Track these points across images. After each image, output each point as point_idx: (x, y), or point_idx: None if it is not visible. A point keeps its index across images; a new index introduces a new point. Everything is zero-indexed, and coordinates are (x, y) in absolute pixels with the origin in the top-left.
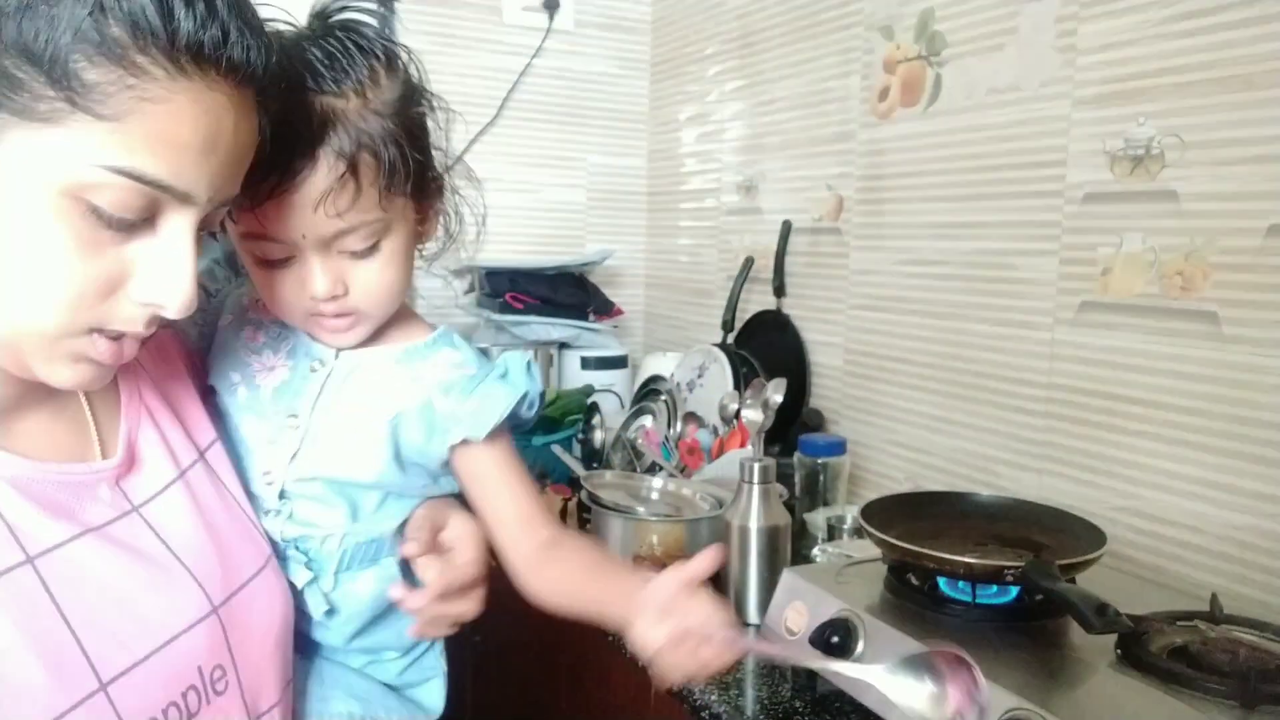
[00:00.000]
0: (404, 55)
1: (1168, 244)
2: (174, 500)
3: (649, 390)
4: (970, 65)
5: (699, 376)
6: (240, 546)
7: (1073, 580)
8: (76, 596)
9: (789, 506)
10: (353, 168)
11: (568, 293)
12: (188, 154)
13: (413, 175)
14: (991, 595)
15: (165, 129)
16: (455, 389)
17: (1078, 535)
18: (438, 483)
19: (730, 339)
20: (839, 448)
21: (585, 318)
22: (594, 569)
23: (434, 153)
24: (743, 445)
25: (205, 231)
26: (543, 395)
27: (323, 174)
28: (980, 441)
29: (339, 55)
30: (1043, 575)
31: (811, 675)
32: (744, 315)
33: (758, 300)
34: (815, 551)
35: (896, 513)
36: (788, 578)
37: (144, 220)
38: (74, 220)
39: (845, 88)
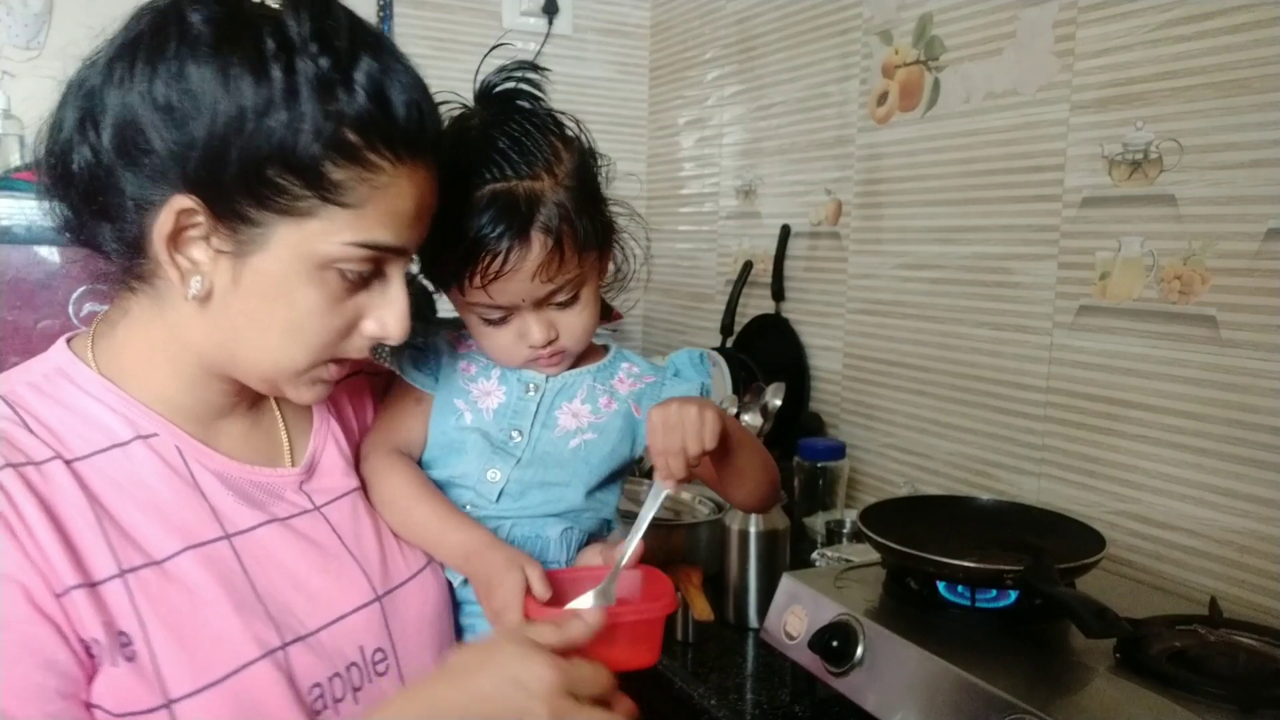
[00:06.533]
0: (571, 124)
1: (1166, 248)
2: (349, 506)
3: None
4: (968, 70)
5: None
6: (400, 550)
7: (1072, 584)
8: (261, 571)
9: (788, 511)
10: (558, 241)
11: None
12: (406, 221)
13: (599, 231)
14: (990, 599)
15: (392, 207)
16: (644, 398)
17: (1077, 539)
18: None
19: (729, 343)
20: (838, 452)
21: None
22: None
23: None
24: None
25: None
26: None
27: (536, 251)
28: (979, 445)
29: (523, 139)
30: (1042, 579)
31: (811, 680)
32: (743, 319)
33: (756, 304)
34: (814, 555)
35: (895, 517)
36: (787, 582)
37: (373, 274)
38: (325, 284)
39: (844, 92)
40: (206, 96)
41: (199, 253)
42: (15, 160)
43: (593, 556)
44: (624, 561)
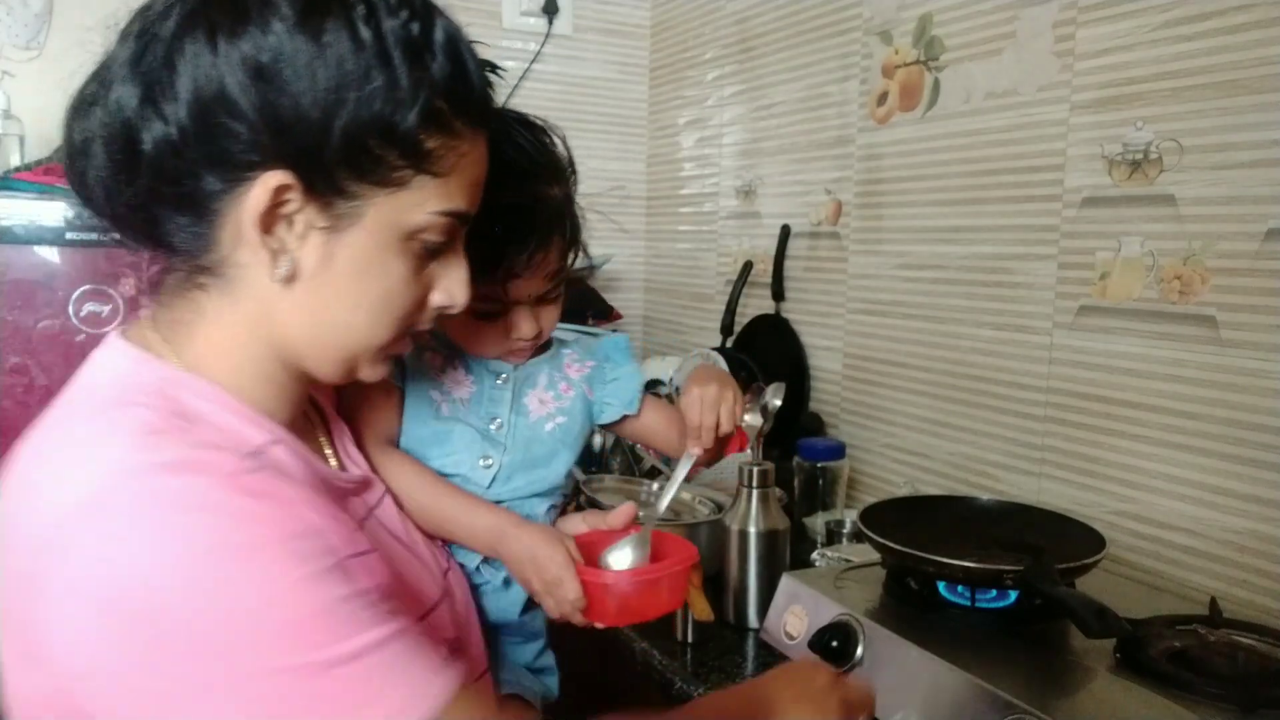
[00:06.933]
0: (554, 128)
1: (1166, 248)
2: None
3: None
4: (968, 70)
5: None
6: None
7: (1072, 584)
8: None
9: (788, 511)
10: (569, 243)
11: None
12: (477, 189)
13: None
14: (990, 599)
15: (472, 174)
16: (595, 380)
17: (1077, 539)
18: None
19: (729, 343)
20: (838, 452)
21: (584, 321)
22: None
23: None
24: (741, 449)
25: None
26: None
27: (555, 254)
28: (979, 445)
29: (523, 144)
30: (1042, 579)
31: None
32: (743, 319)
33: (756, 304)
34: (814, 556)
35: (895, 517)
36: (787, 582)
37: (444, 245)
38: (410, 255)
39: (844, 92)
40: (303, 64)
41: (284, 231)
42: (15, 160)
43: (577, 524)
44: (657, 517)
